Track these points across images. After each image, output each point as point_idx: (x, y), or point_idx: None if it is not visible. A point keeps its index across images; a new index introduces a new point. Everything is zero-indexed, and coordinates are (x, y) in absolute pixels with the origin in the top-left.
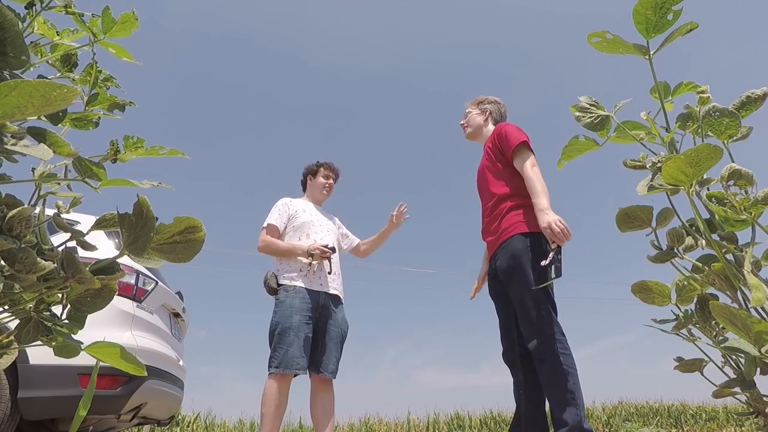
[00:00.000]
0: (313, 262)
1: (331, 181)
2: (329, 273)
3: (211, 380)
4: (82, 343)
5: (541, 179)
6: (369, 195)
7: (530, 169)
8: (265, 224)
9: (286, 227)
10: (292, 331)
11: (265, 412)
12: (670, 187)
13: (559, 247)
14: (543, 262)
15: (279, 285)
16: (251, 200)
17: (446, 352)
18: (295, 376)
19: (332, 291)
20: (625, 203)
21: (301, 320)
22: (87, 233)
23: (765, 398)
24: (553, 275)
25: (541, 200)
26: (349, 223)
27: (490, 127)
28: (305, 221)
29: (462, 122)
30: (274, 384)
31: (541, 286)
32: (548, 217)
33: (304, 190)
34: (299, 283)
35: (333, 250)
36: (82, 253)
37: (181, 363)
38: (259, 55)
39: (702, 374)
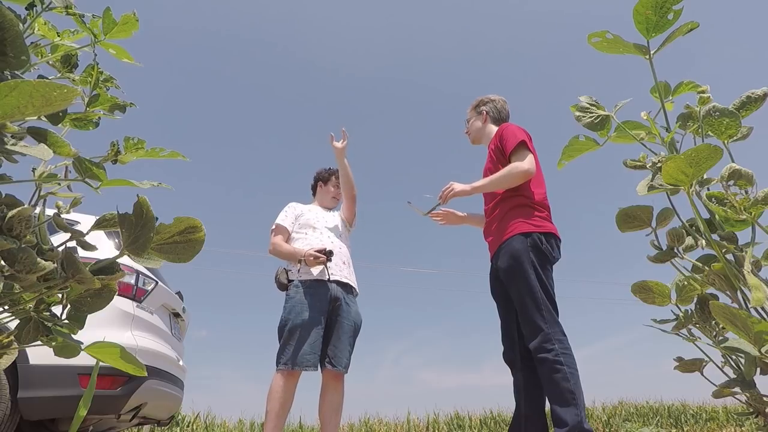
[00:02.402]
0: (313, 268)
1: (340, 189)
2: (328, 280)
3: (211, 380)
4: (82, 343)
5: (509, 177)
6: (370, 194)
7: (512, 164)
8: (273, 225)
9: (293, 227)
10: (302, 328)
11: (270, 409)
12: (670, 187)
13: (439, 204)
14: (425, 210)
15: (289, 280)
16: (252, 200)
17: (447, 352)
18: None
19: (344, 280)
20: (626, 203)
21: (312, 316)
22: (87, 233)
23: (765, 398)
24: (423, 212)
25: (482, 182)
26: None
27: (491, 128)
28: (309, 218)
29: (465, 131)
30: (281, 380)
31: (426, 213)
32: (462, 186)
33: (314, 195)
34: (310, 278)
35: (329, 254)
36: (82, 253)
37: (181, 363)
38: (262, 55)
39: (702, 374)
